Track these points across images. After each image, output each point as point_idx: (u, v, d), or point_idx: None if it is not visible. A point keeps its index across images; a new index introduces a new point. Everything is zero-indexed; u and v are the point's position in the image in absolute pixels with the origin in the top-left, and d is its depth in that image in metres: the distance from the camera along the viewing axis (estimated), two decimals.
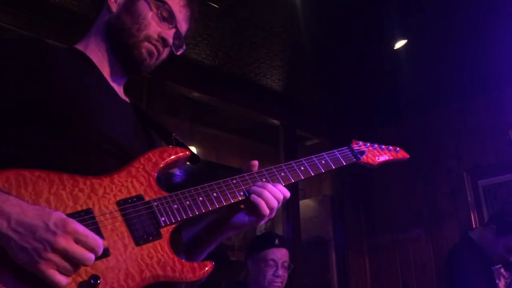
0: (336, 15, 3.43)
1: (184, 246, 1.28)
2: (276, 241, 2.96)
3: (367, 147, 1.57)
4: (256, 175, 1.30)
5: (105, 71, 1.34)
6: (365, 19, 3.46)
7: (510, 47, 3.75)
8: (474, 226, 4.24)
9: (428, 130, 4.81)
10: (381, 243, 4.98)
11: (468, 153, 4.53)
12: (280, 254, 2.93)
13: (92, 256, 0.94)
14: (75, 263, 0.93)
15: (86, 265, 0.95)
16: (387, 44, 3.76)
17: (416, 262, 4.70)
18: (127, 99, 1.41)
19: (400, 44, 3.74)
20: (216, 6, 3.20)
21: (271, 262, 2.90)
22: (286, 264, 2.94)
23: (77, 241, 0.93)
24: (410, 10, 3.36)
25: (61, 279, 0.91)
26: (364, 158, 1.52)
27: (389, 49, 3.79)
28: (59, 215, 0.94)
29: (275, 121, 4.75)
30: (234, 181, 1.26)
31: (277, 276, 2.87)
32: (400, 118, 4.96)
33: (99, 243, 0.95)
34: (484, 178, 4.37)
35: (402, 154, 1.67)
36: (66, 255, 0.91)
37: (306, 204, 5.27)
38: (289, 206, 4.46)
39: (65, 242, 0.91)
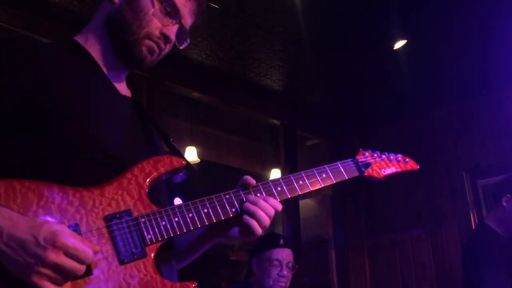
0: (336, 15, 3.43)
1: (174, 253, 1.25)
2: (281, 241, 2.96)
3: (374, 158, 1.47)
4: (251, 190, 1.25)
5: (105, 65, 1.29)
6: (365, 19, 3.47)
7: (510, 47, 3.76)
8: (473, 226, 4.24)
9: (427, 130, 4.81)
10: (381, 243, 4.98)
11: (468, 153, 4.54)
12: (285, 254, 2.93)
13: (82, 267, 0.96)
14: (67, 274, 0.94)
15: (77, 276, 0.96)
16: (386, 44, 3.76)
17: (416, 262, 4.70)
18: (128, 94, 1.36)
19: (399, 44, 3.75)
20: (216, 6, 3.20)
21: (276, 262, 2.90)
22: (290, 265, 2.94)
23: (67, 255, 0.93)
24: (410, 10, 3.36)
25: None
26: (369, 171, 1.44)
27: (388, 49, 3.80)
28: (49, 228, 0.94)
29: (275, 121, 4.75)
30: (227, 196, 1.21)
31: (282, 276, 2.87)
32: (400, 118, 4.95)
33: (89, 255, 0.96)
34: (484, 178, 4.38)
35: (411, 165, 1.57)
36: (56, 268, 0.93)
37: (306, 204, 5.28)
38: (289, 206, 4.46)
39: (55, 257, 0.92)
